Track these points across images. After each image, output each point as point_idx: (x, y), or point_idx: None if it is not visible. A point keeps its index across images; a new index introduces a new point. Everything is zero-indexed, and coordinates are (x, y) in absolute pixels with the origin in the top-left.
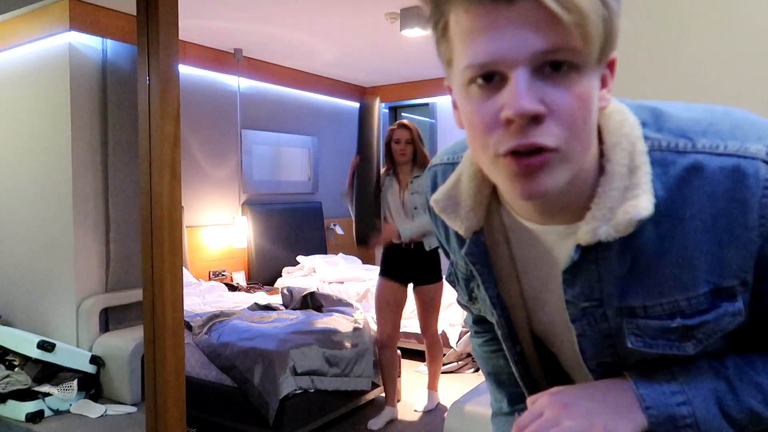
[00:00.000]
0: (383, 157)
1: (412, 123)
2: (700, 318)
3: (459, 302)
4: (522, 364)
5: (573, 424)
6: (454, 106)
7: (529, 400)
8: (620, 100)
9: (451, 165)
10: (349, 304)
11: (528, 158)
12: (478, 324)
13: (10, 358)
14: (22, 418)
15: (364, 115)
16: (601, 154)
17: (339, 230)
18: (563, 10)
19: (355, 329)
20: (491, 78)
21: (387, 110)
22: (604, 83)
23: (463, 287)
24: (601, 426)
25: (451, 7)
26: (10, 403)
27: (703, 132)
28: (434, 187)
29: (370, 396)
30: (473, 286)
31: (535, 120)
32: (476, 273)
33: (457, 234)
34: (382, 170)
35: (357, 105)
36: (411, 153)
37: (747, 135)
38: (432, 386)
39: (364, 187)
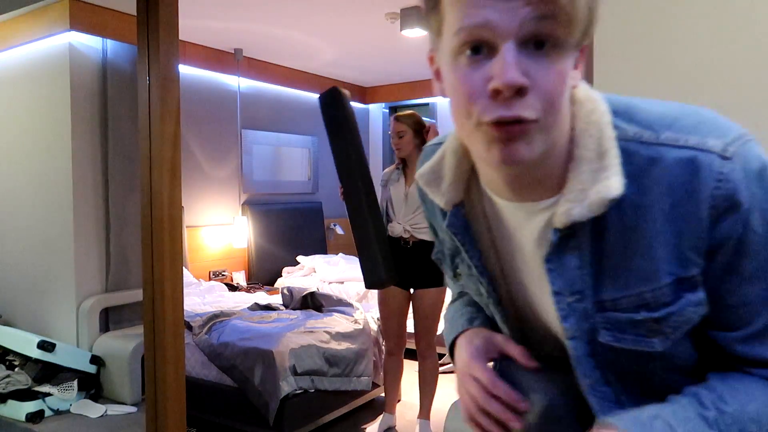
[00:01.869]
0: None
1: (408, 113)
2: (665, 310)
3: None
4: (511, 327)
5: None
6: (437, 76)
7: None
8: (602, 94)
9: (439, 145)
10: (350, 304)
11: (511, 126)
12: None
13: (10, 358)
14: (23, 418)
15: (334, 115)
16: (571, 141)
17: (339, 230)
18: None
19: (356, 329)
20: (479, 50)
21: (387, 110)
22: (576, 65)
23: (449, 263)
24: None
25: None
26: (10, 403)
27: (669, 126)
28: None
29: (371, 396)
30: (458, 262)
31: (519, 92)
32: (459, 244)
33: (441, 209)
34: (391, 167)
35: (356, 106)
36: (408, 146)
37: (709, 131)
38: (424, 414)
39: (361, 227)
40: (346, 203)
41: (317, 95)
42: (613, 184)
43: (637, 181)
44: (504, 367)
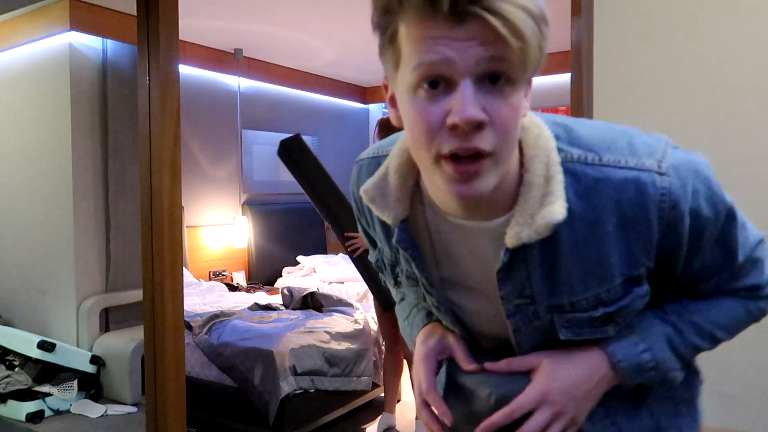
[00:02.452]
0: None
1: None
2: (618, 304)
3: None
4: (454, 326)
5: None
6: (393, 104)
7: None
8: (534, 113)
9: (375, 159)
10: (350, 304)
11: (466, 165)
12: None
13: (10, 358)
14: (23, 418)
15: (297, 164)
16: (521, 165)
17: None
18: (511, 35)
19: (356, 329)
20: (437, 84)
21: (387, 110)
22: (526, 94)
23: (389, 272)
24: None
25: (403, 18)
26: (11, 403)
27: (608, 148)
28: (360, 180)
29: (370, 396)
30: (398, 271)
31: (478, 127)
32: (409, 257)
33: (383, 223)
34: None
35: (356, 106)
36: None
37: (641, 152)
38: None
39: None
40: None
41: (318, 95)
42: (556, 209)
43: (586, 199)
44: (450, 368)
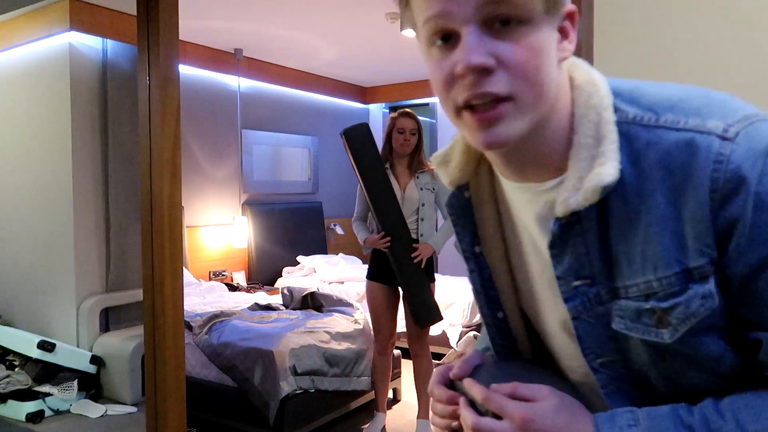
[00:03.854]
0: (381, 150)
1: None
2: (672, 300)
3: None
4: (504, 334)
5: None
6: None
7: (496, 394)
8: (609, 78)
9: None
10: (350, 304)
11: (485, 112)
12: None
13: (10, 358)
14: (23, 418)
15: (363, 157)
16: (571, 127)
17: (339, 230)
18: None
19: (356, 329)
20: (448, 39)
21: (387, 110)
22: (565, 34)
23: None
24: None
25: None
26: (11, 403)
27: (671, 108)
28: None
29: (370, 396)
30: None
31: (484, 72)
32: (457, 225)
33: (459, 211)
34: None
35: (356, 106)
36: (414, 144)
37: (711, 113)
38: (423, 414)
39: (413, 273)
40: (392, 248)
41: (318, 95)
42: (607, 170)
43: (637, 166)
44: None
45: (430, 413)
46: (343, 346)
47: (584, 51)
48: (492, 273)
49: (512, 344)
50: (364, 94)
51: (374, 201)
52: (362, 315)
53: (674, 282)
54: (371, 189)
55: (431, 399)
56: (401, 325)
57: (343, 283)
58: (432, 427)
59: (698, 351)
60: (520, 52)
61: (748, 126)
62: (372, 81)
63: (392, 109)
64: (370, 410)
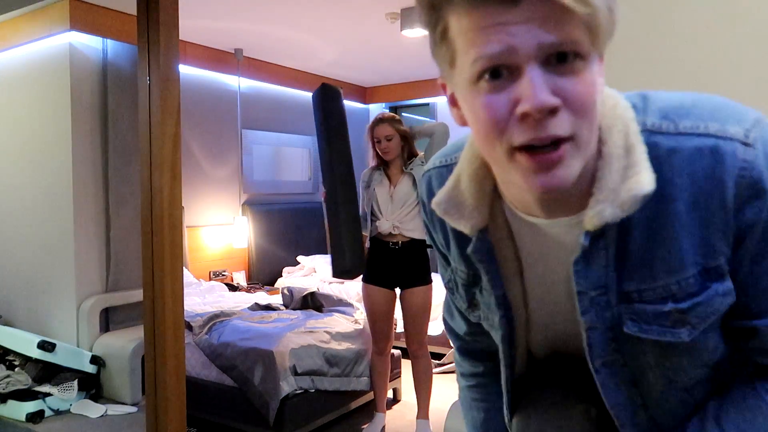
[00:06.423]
0: (368, 154)
1: (390, 115)
2: (691, 301)
3: (451, 312)
4: (511, 368)
5: None
6: (453, 103)
7: None
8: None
9: (446, 167)
10: (350, 304)
11: (545, 154)
12: (468, 359)
13: (10, 358)
14: (23, 418)
15: (327, 112)
16: (599, 138)
17: None
18: (577, 3)
19: (356, 329)
20: (499, 74)
21: (387, 110)
22: (601, 60)
23: (462, 294)
24: None
25: (451, 10)
26: (11, 403)
27: (686, 114)
28: (430, 192)
29: (370, 396)
30: (475, 291)
31: (551, 112)
32: (483, 272)
33: (458, 236)
34: (368, 169)
35: (356, 106)
36: (396, 148)
37: (727, 117)
38: (423, 414)
39: (336, 218)
40: (327, 199)
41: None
42: (644, 179)
43: (658, 173)
44: None
45: None
46: (343, 346)
47: None
48: (514, 315)
49: (514, 377)
50: (364, 94)
51: (329, 161)
52: (362, 315)
53: (692, 283)
54: (333, 147)
55: None
56: (401, 326)
57: (343, 283)
58: None
59: (704, 346)
60: (580, 88)
61: (761, 130)
62: (372, 81)
63: (392, 109)
64: (370, 410)
